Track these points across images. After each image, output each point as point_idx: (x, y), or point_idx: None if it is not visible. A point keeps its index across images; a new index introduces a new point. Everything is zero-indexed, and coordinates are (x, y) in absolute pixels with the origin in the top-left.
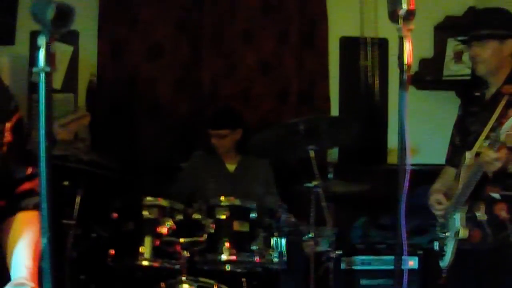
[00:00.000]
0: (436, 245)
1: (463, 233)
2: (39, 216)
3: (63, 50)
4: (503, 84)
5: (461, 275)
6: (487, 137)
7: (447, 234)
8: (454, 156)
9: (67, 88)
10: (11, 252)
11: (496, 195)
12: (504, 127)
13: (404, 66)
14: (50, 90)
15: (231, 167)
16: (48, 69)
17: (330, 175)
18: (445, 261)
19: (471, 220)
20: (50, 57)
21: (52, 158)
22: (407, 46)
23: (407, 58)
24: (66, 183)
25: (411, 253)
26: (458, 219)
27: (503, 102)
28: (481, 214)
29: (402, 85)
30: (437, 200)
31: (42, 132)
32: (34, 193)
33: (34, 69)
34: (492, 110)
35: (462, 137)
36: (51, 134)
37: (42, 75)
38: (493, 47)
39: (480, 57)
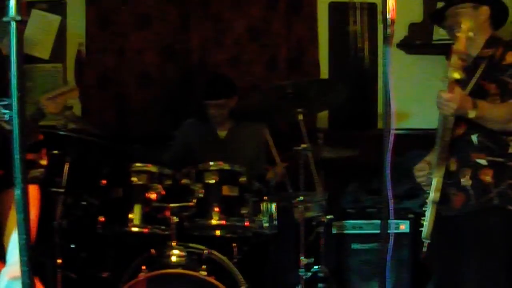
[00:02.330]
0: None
1: (434, 196)
2: (37, 189)
3: (51, 20)
4: (482, 49)
5: (442, 249)
6: None
7: (427, 200)
8: None
9: (56, 59)
10: (9, 230)
11: (483, 161)
12: (450, 64)
13: (387, 21)
14: (21, 40)
15: (222, 133)
16: (19, 17)
17: (320, 141)
18: (424, 231)
19: (454, 185)
20: (21, 6)
21: (29, 118)
22: (391, 1)
23: (390, 13)
24: (55, 152)
25: (402, 217)
26: (434, 183)
27: (482, 66)
28: (465, 180)
29: (386, 40)
30: (418, 168)
31: (14, 82)
32: (35, 165)
33: (5, 18)
34: (473, 74)
35: None
36: (23, 86)
37: (13, 24)
38: (467, 13)
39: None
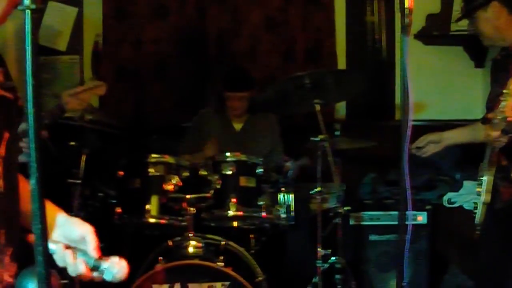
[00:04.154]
0: (445, 201)
1: (486, 198)
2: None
3: (68, 12)
4: None
5: (493, 234)
6: None
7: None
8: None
9: (73, 50)
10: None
11: None
12: (498, 109)
13: (405, 10)
14: (36, 29)
15: (238, 126)
16: (33, 6)
17: (337, 132)
18: (477, 219)
19: (505, 179)
20: None
21: (40, 99)
22: None
23: (408, 2)
24: (72, 143)
25: (419, 208)
26: (485, 182)
27: None
28: None
29: (404, 29)
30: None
31: (29, 71)
32: None
33: (19, 7)
34: (508, 70)
35: (487, 100)
36: (38, 75)
37: (28, 13)
38: (481, 18)
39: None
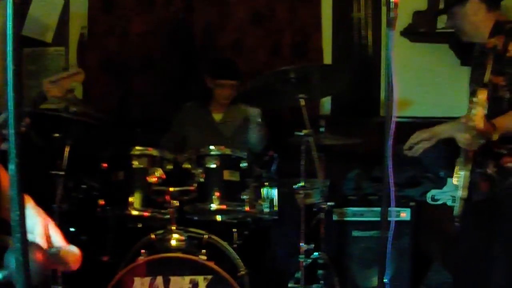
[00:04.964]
0: (428, 198)
1: (463, 193)
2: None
3: (54, 4)
4: (489, 38)
5: (472, 225)
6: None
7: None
8: None
9: (58, 42)
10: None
11: (503, 151)
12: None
13: (390, 3)
14: (19, 15)
15: (217, 116)
16: None
17: (322, 128)
18: (456, 211)
19: (482, 175)
20: None
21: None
22: None
23: None
24: (56, 135)
25: (403, 205)
26: (462, 177)
27: (491, 58)
28: (490, 169)
29: (389, 23)
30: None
31: (10, 56)
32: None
33: None
34: (484, 67)
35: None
36: (19, 59)
37: (10, 1)
38: (459, 14)
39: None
